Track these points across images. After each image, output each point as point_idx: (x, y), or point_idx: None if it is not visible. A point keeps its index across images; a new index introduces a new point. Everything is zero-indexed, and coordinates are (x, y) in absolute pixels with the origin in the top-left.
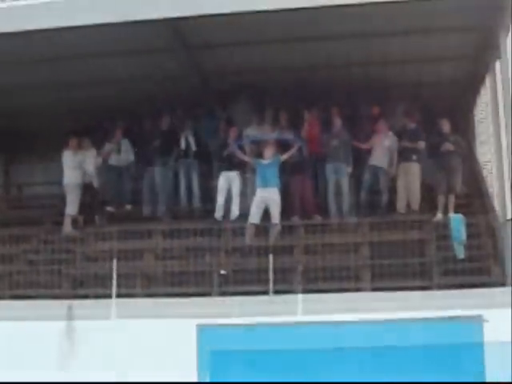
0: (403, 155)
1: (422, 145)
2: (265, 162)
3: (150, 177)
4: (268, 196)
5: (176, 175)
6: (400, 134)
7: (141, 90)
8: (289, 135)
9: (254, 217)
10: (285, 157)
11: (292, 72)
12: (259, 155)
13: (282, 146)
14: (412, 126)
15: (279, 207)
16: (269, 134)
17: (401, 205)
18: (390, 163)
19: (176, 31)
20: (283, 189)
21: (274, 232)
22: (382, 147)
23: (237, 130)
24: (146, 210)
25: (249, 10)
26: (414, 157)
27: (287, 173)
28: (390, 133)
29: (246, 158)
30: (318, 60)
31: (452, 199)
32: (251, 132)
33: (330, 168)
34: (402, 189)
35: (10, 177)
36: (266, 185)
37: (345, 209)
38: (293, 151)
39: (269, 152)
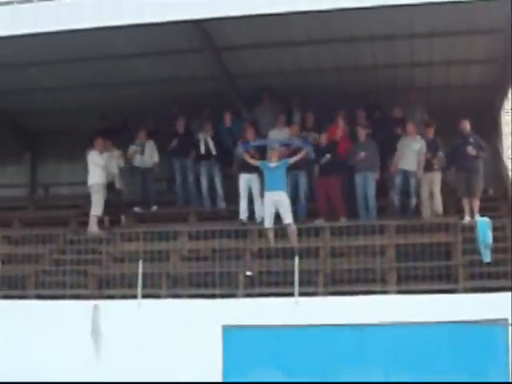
0: (425, 165)
1: (440, 156)
2: (272, 165)
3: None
4: (277, 199)
5: (197, 177)
6: None
7: (167, 91)
8: (296, 140)
9: (267, 220)
10: (291, 161)
11: (317, 74)
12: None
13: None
14: (430, 136)
15: (289, 208)
16: (289, 137)
17: (426, 213)
18: (418, 166)
19: (203, 32)
20: (311, 190)
21: (291, 233)
22: (412, 150)
23: (254, 131)
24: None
25: (275, 12)
26: (436, 166)
27: (316, 174)
28: (419, 136)
29: (253, 162)
30: (344, 62)
31: (476, 202)
32: (274, 134)
33: (358, 177)
34: (426, 197)
35: (37, 177)
36: (273, 188)
37: (372, 214)
38: (300, 156)
39: (275, 155)
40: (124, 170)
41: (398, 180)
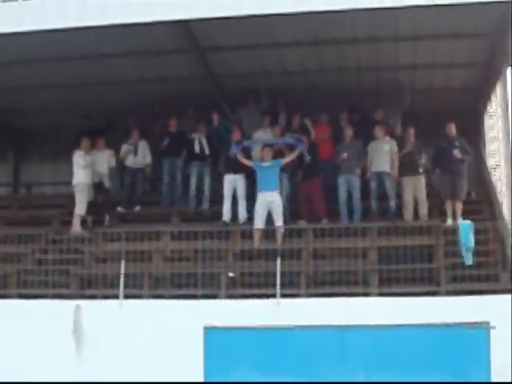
0: (409, 169)
1: (423, 159)
2: (265, 164)
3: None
4: (270, 199)
5: (187, 177)
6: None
7: (152, 91)
8: (290, 139)
9: (258, 221)
10: (285, 160)
11: (302, 75)
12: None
13: (289, 149)
14: (412, 140)
15: (282, 209)
16: (273, 138)
17: (408, 217)
18: (391, 167)
19: (188, 33)
20: (293, 192)
21: (279, 235)
22: (383, 152)
23: (240, 132)
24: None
25: (260, 13)
26: (420, 170)
27: (298, 176)
28: (387, 138)
29: (246, 161)
30: (329, 64)
31: (459, 205)
32: (259, 135)
33: (342, 180)
34: (409, 201)
35: (20, 176)
36: (266, 188)
37: (356, 217)
38: (294, 155)
39: (268, 155)
40: (113, 169)
41: (373, 184)
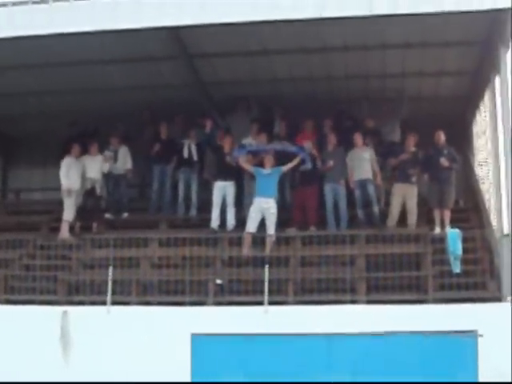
0: (401, 176)
1: (414, 172)
2: (265, 171)
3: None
4: (265, 206)
5: (175, 184)
6: (388, 151)
7: (140, 98)
8: (291, 147)
9: (251, 226)
10: (285, 168)
11: (291, 83)
12: (259, 165)
13: (282, 156)
14: (412, 149)
15: (275, 218)
16: (272, 145)
17: (392, 223)
18: (374, 174)
19: (176, 40)
20: (283, 199)
21: (269, 243)
22: (364, 159)
23: (232, 139)
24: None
25: (249, 20)
26: (413, 179)
27: (292, 183)
28: (365, 146)
29: (247, 167)
30: (317, 72)
31: (447, 213)
32: (247, 142)
33: (328, 188)
34: (395, 206)
35: (8, 182)
36: (264, 194)
37: (342, 225)
38: (295, 162)
39: (269, 162)
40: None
41: (357, 193)
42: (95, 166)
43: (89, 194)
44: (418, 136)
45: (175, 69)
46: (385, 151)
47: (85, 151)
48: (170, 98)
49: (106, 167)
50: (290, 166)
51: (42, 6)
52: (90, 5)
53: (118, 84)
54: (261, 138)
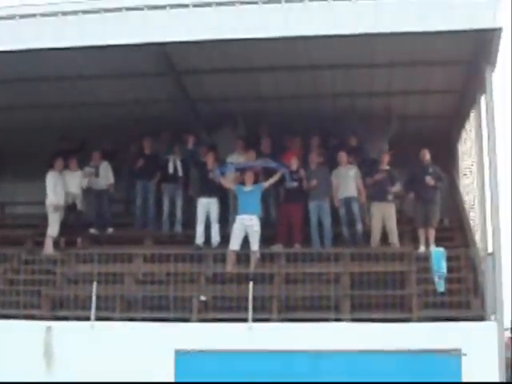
0: (378, 195)
1: (397, 187)
2: (246, 189)
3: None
4: (248, 224)
5: (158, 200)
6: (368, 170)
7: (128, 113)
8: (272, 163)
9: (234, 243)
10: (266, 184)
11: (277, 100)
12: (242, 182)
13: (268, 173)
14: (387, 167)
15: (259, 235)
16: (252, 161)
17: (374, 243)
18: (359, 192)
19: (165, 56)
20: (268, 215)
21: (254, 260)
22: (348, 177)
23: (214, 155)
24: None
25: (237, 37)
26: (390, 197)
27: (277, 200)
28: (349, 165)
29: (228, 185)
30: (303, 89)
31: (432, 232)
32: (233, 159)
33: (312, 205)
34: (376, 227)
35: None
36: (246, 212)
37: (327, 243)
38: (275, 178)
39: (249, 179)
40: (85, 191)
41: (342, 211)
42: (75, 182)
43: (70, 208)
44: (404, 154)
45: (162, 85)
46: (367, 170)
47: (67, 166)
48: (157, 114)
49: (85, 182)
50: (271, 181)
51: (30, 19)
52: (79, 20)
53: (105, 99)
54: (249, 155)
